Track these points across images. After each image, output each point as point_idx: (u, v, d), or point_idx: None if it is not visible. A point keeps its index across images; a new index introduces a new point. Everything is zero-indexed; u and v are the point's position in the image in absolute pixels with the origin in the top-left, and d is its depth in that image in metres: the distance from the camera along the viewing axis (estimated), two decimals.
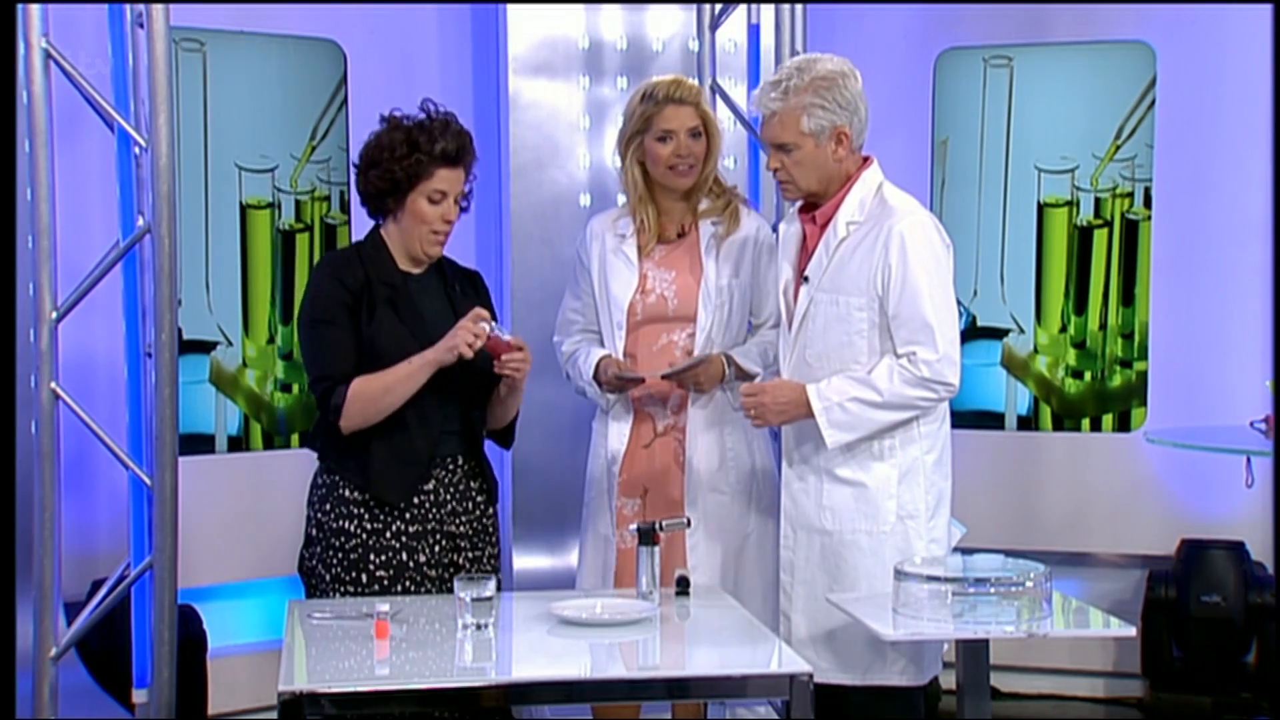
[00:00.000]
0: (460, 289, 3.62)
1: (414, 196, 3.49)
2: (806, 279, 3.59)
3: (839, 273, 3.54)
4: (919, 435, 3.56)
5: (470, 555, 3.59)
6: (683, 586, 3.46)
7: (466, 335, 3.39)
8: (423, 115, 3.53)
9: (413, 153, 3.46)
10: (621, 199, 4.18)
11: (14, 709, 3.32)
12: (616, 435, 3.89)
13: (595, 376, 3.86)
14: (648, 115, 3.86)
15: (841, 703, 3.60)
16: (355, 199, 5.00)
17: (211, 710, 4.56)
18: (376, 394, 3.42)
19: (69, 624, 3.80)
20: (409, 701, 2.87)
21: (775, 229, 3.96)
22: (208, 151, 4.93)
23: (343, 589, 3.47)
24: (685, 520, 3.57)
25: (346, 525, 3.48)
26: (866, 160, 3.62)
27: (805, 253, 3.64)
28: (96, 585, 3.95)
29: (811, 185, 3.57)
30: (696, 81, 3.90)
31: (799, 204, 3.69)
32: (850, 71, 3.55)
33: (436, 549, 3.53)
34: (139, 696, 3.74)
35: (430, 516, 3.52)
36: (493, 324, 3.43)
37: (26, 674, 3.69)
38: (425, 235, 3.51)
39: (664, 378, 3.81)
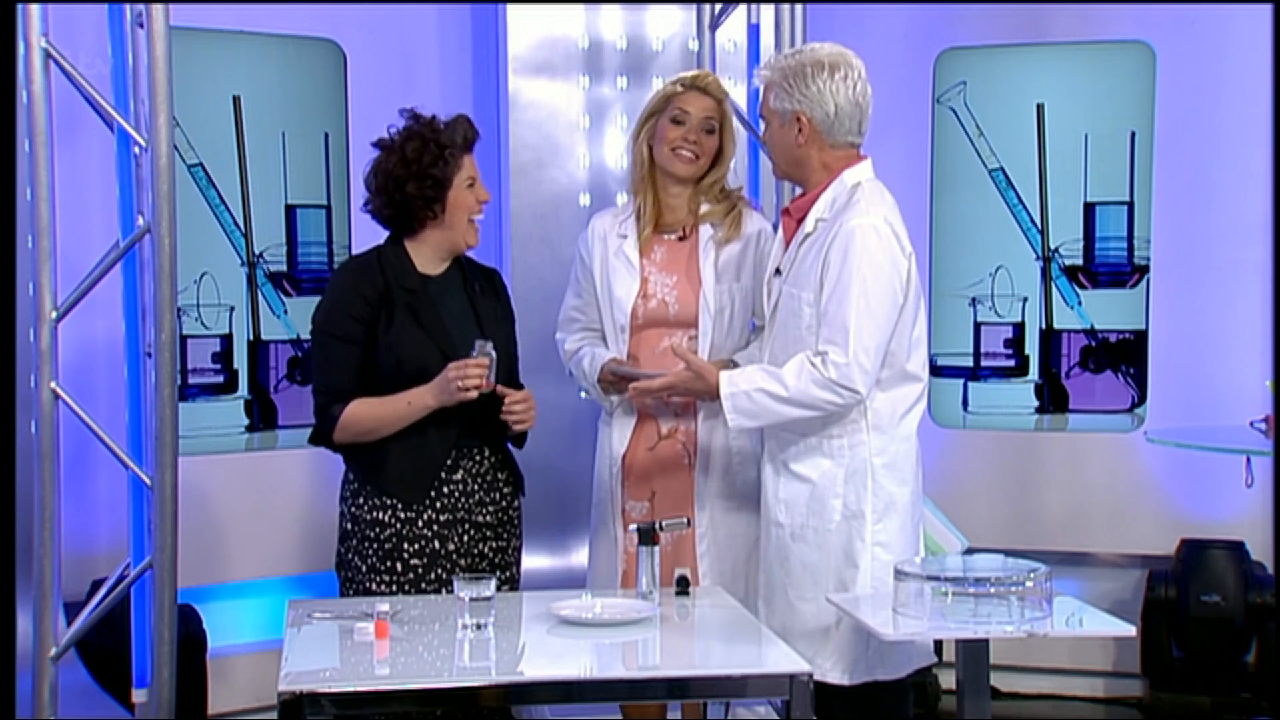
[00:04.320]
0: (479, 288, 3.68)
1: (454, 192, 3.57)
2: (778, 272, 3.62)
3: (798, 268, 3.55)
4: (867, 438, 3.53)
5: (495, 545, 3.65)
6: (683, 586, 3.47)
7: (469, 381, 3.44)
8: (414, 122, 3.60)
9: (443, 150, 3.55)
10: (622, 198, 4.18)
11: (14, 709, 3.32)
12: (619, 437, 3.90)
13: (599, 378, 3.85)
14: (668, 95, 3.89)
15: (828, 699, 3.60)
16: (356, 201, 4.97)
17: (211, 710, 4.56)
18: (369, 425, 3.55)
19: (69, 624, 3.80)
20: (409, 701, 2.87)
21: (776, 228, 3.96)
22: (207, 151, 4.94)
23: (378, 579, 3.55)
24: (685, 520, 3.57)
25: (381, 516, 3.56)
26: (859, 159, 3.59)
27: (785, 248, 3.66)
28: (96, 585, 3.95)
29: (780, 164, 3.62)
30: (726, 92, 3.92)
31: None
32: (832, 66, 3.50)
33: (465, 538, 3.59)
34: (139, 696, 3.74)
35: (460, 506, 3.58)
36: (483, 347, 3.47)
37: (26, 674, 3.69)
38: (467, 226, 3.61)
39: None
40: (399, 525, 3.55)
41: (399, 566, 3.54)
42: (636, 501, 3.90)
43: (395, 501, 3.55)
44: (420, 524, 3.55)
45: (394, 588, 3.54)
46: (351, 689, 2.80)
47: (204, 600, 4.67)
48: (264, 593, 4.92)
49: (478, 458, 3.62)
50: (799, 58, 3.54)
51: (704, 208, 3.90)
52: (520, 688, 2.95)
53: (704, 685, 3.09)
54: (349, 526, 3.61)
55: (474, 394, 3.45)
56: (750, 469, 3.87)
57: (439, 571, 3.55)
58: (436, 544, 3.56)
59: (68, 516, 3.89)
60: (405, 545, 3.54)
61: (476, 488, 3.61)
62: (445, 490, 3.57)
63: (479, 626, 3.08)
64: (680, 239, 3.91)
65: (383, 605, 3.13)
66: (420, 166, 3.55)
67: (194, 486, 4.22)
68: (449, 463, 3.58)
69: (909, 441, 3.60)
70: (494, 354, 3.47)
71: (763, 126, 3.63)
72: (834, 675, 3.54)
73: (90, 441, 3.72)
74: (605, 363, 3.83)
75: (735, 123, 3.99)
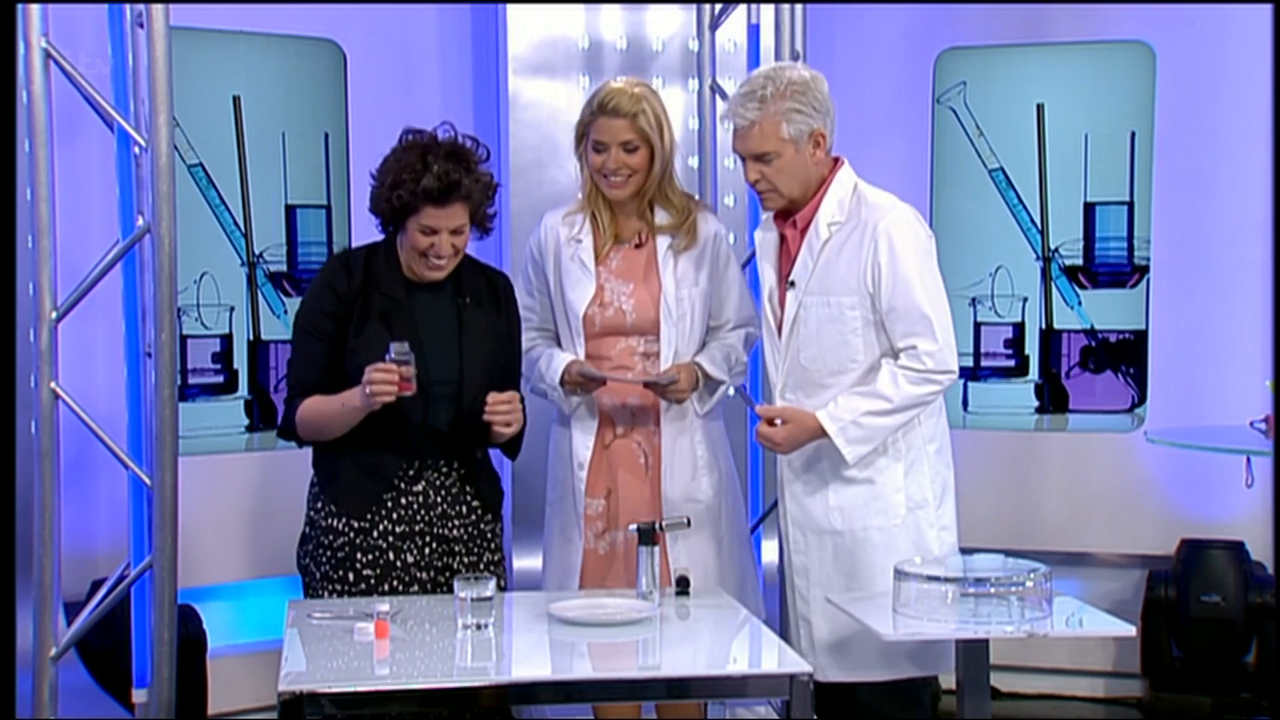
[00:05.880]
0: (472, 299, 3.58)
1: (408, 224, 3.46)
2: (792, 284, 3.59)
3: (827, 274, 3.55)
4: (918, 424, 3.58)
5: (466, 560, 3.58)
6: (683, 586, 3.46)
7: (378, 387, 3.31)
8: (414, 137, 3.47)
9: (395, 189, 3.42)
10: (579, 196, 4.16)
11: (14, 709, 3.32)
12: (581, 441, 3.87)
13: (561, 380, 3.82)
14: (585, 122, 3.83)
15: (849, 700, 3.61)
16: (356, 201, 4.97)
17: (211, 710, 4.56)
18: (315, 424, 3.49)
19: (69, 624, 3.80)
20: (409, 701, 2.87)
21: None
22: (207, 151, 4.94)
23: (331, 586, 3.50)
24: (685, 520, 3.57)
25: (335, 524, 3.51)
26: (837, 161, 3.63)
27: (788, 258, 3.64)
28: (96, 585, 3.95)
29: (794, 192, 3.58)
30: (640, 97, 3.78)
31: (773, 211, 3.69)
32: (819, 76, 3.58)
33: (427, 551, 3.52)
34: (139, 696, 3.74)
35: (418, 518, 3.52)
36: (399, 349, 3.33)
37: (26, 674, 3.69)
38: (420, 261, 3.49)
39: (645, 385, 3.81)
40: (352, 534, 3.49)
41: (350, 576, 3.48)
42: (592, 499, 3.88)
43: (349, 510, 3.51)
44: (375, 535, 3.48)
45: (345, 598, 3.47)
46: (351, 689, 2.80)
47: (204, 600, 4.66)
48: (264, 593, 4.91)
49: (444, 470, 3.55)
50: (785, 80, 3.53)
51: (660, 217, 3.86)
52: (520, 688, 2.96)
53: (704, 685, 3.09)
54: (307, 530, 3.56)
55: (388, 399, 3.32)
56: (714, 471, 3.90)
57: (394, 584, 3.48)
58: (391, 555, 3.48)
59: (68, 516, 3.89)
60: (358, 555, 3.48)
61: (440, 500, 3.53)
62: (403, 502, 3.50)
63: (479, 627, 3.09)
64: (637, 246, 3.89)
65: (383, 605, 3.13)
66: (382, 185, 3.47)
67: (194, 486, 4.22)
68: (410, 473, 3.51)
69: (945, 422, 3.67)
70: (411, 357, 3.33)
71: (756, 167, 3.56)
72: (923, 670, 3.59)
73: (90, 441, 3.73)
74: (569, 364, 3.81)
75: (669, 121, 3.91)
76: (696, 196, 4.08)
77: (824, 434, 3.51)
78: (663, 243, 3.86)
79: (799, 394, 3.61)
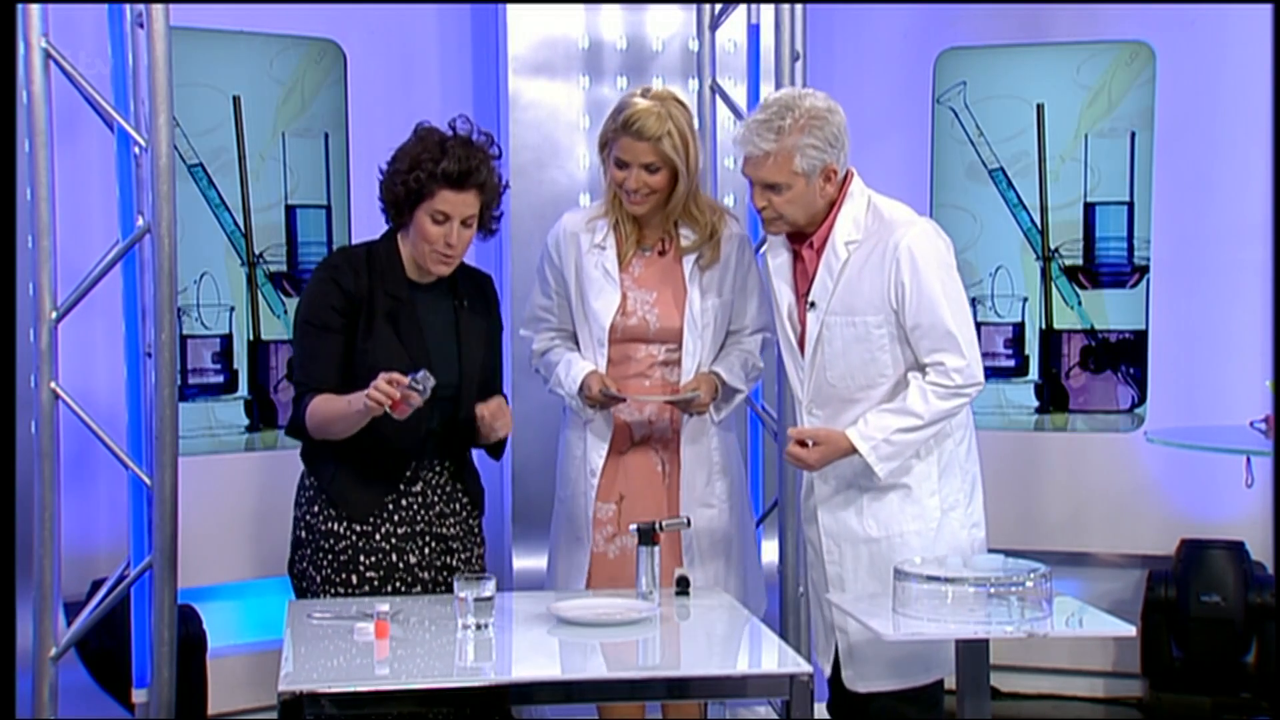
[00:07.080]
0: (468, 301, 3.60)
1: (419, 214, 3.45)
2: (813, 304, 3.58)
3: (850, 294, 3.53)
4: (951, 429, 3.59)
5: (462, 557, 3.60)
6: (683, 586, 3.47)
7: (377, 395, 3.26)
8: (448, 132, 3.48)
9: (413, 170, 3.42)
10: (585, 199, 4.12)
11: (14, 709, 3.32)
12: (596, 449, 3.84)
13: (579, 390, 3.78)
14: (607, 135, 3.77)
15: (863, 705, 3.60)
16: (356, 201, 4.99)
17: (211, 710, 4.56)
18: (325, 421, 3.43)
19: (69, 624, 3.80)
20: (409, 701, 2.88)
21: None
22: (207, 151, 4.94)
23: (333, 590, 3.49)
24: (685, 520, 3.57)
25: (336, 527, 3.50)
26: (848, 174, 3.59)
27: (803, 276, 3.63)
28: (96, 585, 3.95)
29: (799, 221, 3.56)
30: (667, 116, 3.70)
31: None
32: (835, 107, 3.54)
33: (427, 550, 3.54)
34: (139, 696, 3.74)
35: (419, 518, 3.53)
36: (419, 379, 3.28)
37: (26, 674, 3.69)
38: (429, 253, 3.47)
39: (668, 402, 3.79)
40: (354, 538, 3.48)
41: (354, 579, 3.47)
42: (604, 503, 3.85)
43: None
44: (378, 537, 3.49)
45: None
46: (351, 689, 2.80)
47: (204, 600, 4.66)
48: (264, 593, 4.91)
49: (437, 469, 3.56)
50: (802, 110, 3.49)
51: (684, 235, 3.82)
52: (520, 688, 2.96)
53: (704, 685, 3.09)
54: (303, 535, 3.54)
55: (376, 410, 3.28)
56: (727, 475, 3.90)
57: (396, 585, 3.48)
58: (394, 557, 3.49)
59: (68, 516, 3.89)
60: (361, 558, 3.48)
61: (437, 499, 3.55)
62: (404, 503, 3.51)
63: (479, 627, 3.09)
64: (660, 253, 3.86)
65: (383, 605, 3.13)
66: (395, 170, 3.46)
67: (194, 486, 4.22)
68: (408, 474, 3.52)
69: (971, 420, 3.68)
70: (428, 391, 3.28)
71: (765, 194, 3.53)
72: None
73: (90, 441, 3.73)
74: (588, 377, 3.77)
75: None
76: (719, 201, 4.01)
77: (855, 451, 3.51)
78: (689, 258, 3.83)
79: (827, 410, 3.60)
